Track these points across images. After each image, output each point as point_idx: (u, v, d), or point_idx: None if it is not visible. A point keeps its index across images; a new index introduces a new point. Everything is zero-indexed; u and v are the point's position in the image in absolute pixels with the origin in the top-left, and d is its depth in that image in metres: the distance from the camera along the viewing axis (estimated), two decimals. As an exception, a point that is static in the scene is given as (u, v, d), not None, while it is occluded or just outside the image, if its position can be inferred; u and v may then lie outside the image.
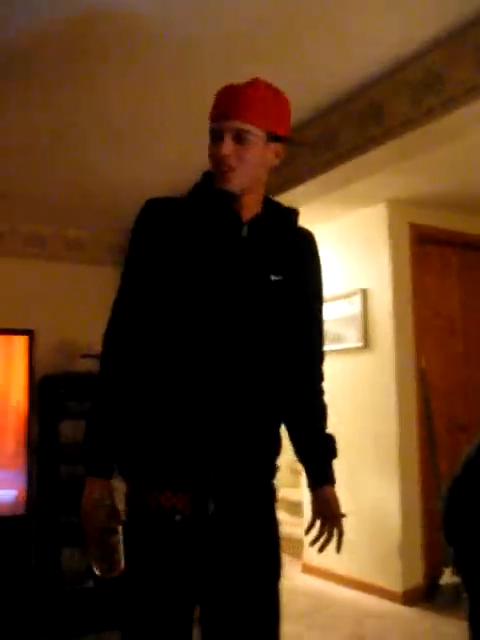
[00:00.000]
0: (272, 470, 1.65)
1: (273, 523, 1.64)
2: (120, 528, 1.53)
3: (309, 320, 1.71)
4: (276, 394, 1.63)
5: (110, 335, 1.59)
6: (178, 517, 1.49)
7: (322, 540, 1.72)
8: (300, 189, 3.66)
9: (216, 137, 1.53)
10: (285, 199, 3.87)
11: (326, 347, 4.86)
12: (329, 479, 1.74)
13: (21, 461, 3.90)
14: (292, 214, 1.70)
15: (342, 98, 3.24)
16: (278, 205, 1.68)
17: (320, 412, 1.77)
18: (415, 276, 4.42)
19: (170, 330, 1.55)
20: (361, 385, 4.48)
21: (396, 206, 4.35)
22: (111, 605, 2.40)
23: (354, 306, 4.54)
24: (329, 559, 4.57)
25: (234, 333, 1.54)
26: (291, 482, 5.81)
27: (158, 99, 3.16)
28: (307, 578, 4.76)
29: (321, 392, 1.78)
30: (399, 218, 4.39)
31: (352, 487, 4.46)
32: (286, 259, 1.63)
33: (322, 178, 3.47)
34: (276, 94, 1.57)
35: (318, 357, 1.78)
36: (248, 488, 1.58)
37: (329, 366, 5.05)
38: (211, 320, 1.53)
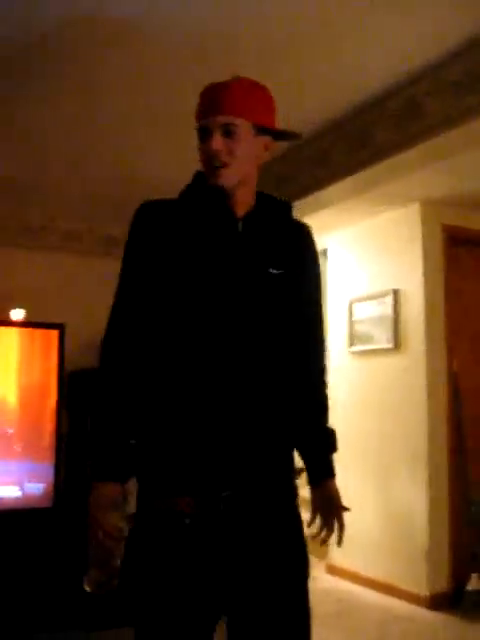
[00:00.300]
0: (288, 465, 1.62)
1: (295, 521, 1.60)
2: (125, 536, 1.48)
3: (310, 313, 1.70)
4: (282, 388, 1.61)
5: (111, 340, 1.55)
6: (187, 520, 1.46)
7: (323, 534, 1.72)
8: (333, 188, 3.64)
9: (205, 134, 1.53)
10: (318, 198, 3.92)
11: (356, 348, 4.86)
12: (330, 473, 1.74)
13: (50, 454, 3.94)
14: (286, 207, 1.69)
15: (378, 96, 3.22)
16: (271, 198, 1.67)
17: (321, 406, 1.75)
18: (448, 277, 4.37)
19: (172, 331, 1.53)
20: (391, 387, 4.44)
21: (429, 206, 4.30)
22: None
23: (385, 307, 4.50)
24: (354, 561, 4.55)
25: (237, 329, 1.53)
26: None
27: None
28: (332, 579, 4.73)
29: (322, 385, 1.76)
30: (432, 219, 4.34)
31: (380, 489, 4.43)
32: (284, 252, 1.61)
33: (356, 177, 3.45)
34: (259, 87, 1.58)
35: (319, 350, 1.76)
36: (263, 486, 1.54)
37: (358, 367, 5.06)
38: (213, 318, 1.52)
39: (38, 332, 4.11)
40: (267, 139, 1.59)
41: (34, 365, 4.03)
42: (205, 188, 1.58)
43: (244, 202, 1.59)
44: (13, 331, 4.13)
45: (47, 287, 4.75)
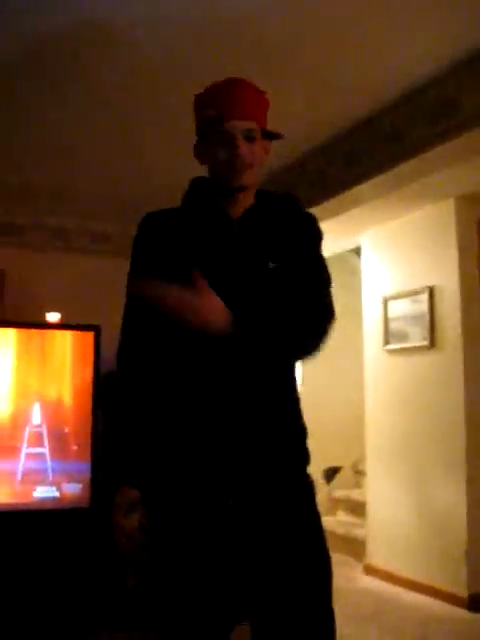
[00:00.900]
0: (298, 465, 1.60)
1: (312, 521, 1.58)
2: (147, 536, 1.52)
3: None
4: (283, 385, 1.63)
5: (123, 353, 1.61)
6: (197, 524, 1.50)
7: None
8: (366, 186, 3.61)
9: (226, 139, 1.56)
10: (352, 195, 3.90)
11: (391, 346, 4.80)
12: None
13: (87, 454, 3.97)
14: (287, 200, 1.70)
15: (411, 92, 3.19)
16: (271, 194, 1.69)
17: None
18: (484, 274, 4.31)
19: (175, 340, 1.56)
20: (426, 385, 4.39)
21: (464, 202, 4.24)
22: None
23: (420, 304, 4.45)
24: (393, 561, 4.51)
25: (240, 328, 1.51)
26: (353, 482, 5.77)
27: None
28: (370, 580, 4.70)
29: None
30: (467, 214, 4.28)
31: (418, 488, 4.39)
32: (283, 245, 1.62)
33: (389, 174, 3.42)
34: (261, 91, 1.62)
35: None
36: (270, 489, 1.54)
37: (394, 365, 5.01)
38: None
39: (74, 334, 4.15)
40: (267, 143, 1.64)
41: (70, 366, 4.07)
42: (204, 196, 1.64)
43: (244, 204, 1.63)
44: (49, 333, 4.18)
45: (81, 289, 4.80)
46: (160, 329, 1.56)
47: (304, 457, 1.62)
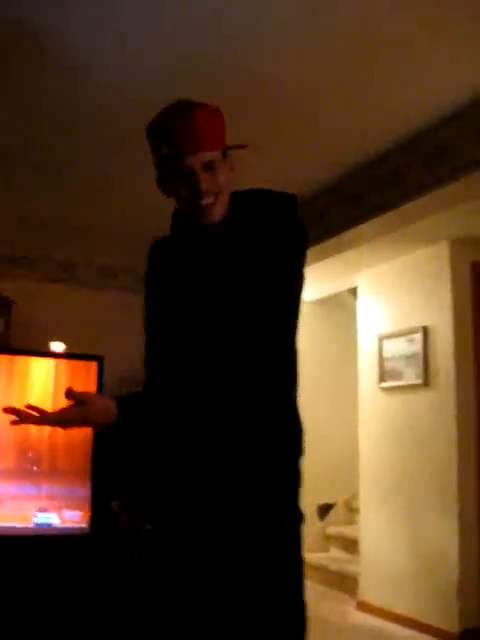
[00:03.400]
0: (269, 505, 1.47)
1: (285, 561, 1.45)
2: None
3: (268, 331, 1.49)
4: (246, 422, 1.48)
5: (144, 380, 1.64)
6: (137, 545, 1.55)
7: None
8: (365, 226, 3.75)
9: (186, 174, 1.47)
10: (349, 236, 4.04)
11: (386, 383, 4.86)
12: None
13: (87, 481, 4.03)
14: (273, 202, 1.58)
15: (409, 139, 3.35)
16: (248, 199, 1.59)
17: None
18: (476, 314, 4.43)
19: (162, 364, 1.59)
20: (420, 422, 4.48)
21: (458, 245, 4.38)
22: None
23: (415, 343, 4.57)
24: (384, 596, 4.54)
25: (195, 360, 1.50)
26: (346, 519, 5.81)
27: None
28: (362, 616, 4.72)
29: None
30: (461, 257, 4.41)
31: (410, 524, 4.44)
32: (249, 264, 1.50)
33: (388, 216, 3.56)
34: (215, 111, 1.51)
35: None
36: (239, 517, 1.44)
37: (388, 403, 5.08)
38: (178, 345, 1.55)
39: (78, 363, 4.26)
40: (231, 160, 1.54)
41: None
42: (185, 228, 1.60)
43: (218, 215, 1.54)
44: (54, 362, 4.28)
45: (86, 321, 4.92)
46: (160, 351, 1.60)
47: (287, 484, 1.51)
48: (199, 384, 1.45)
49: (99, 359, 4.22)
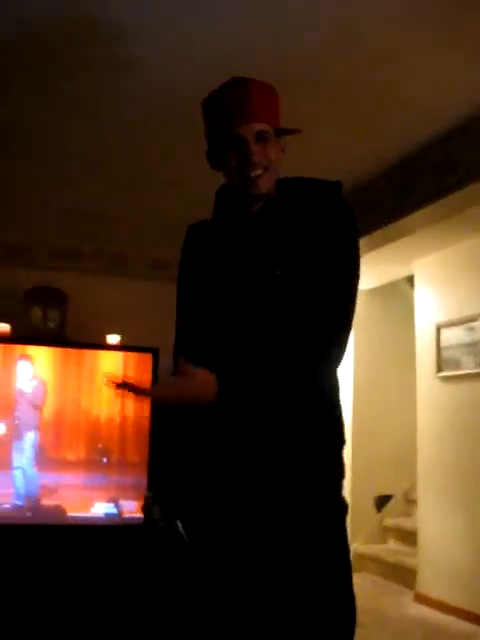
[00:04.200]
0: (321, 477, 1.46)
1: (329, 548, 1.43)
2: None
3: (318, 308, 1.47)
4: (290, 402, 1.46)
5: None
6: (185, 541, 1.49)
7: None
8: (418, 214, 3.68)
9: (238, 143, 1.48)
10: (403, 225, 3.96)
11: (444, 373, 4.75)
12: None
13: (144, 471, 4.09)
14: (320, 188, 1.57)
15: (462, 122, 3.27)
16: (294, 185, 1.58)
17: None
18: None
19: (201, 344, 1.54)
20: (479, 412, 4.38)
21: (516, 229, 4.26)
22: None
23: (473, 331, 4.47)
24: (443, 589, 4.48)
25: (240, 340, 1.48)
26: (404, 510, 5.74)
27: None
28: (420, 608, 4.66)
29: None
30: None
31: (471, 517, 4.36)
32: (299, 245, 1.49)
33: (440, 203, 3.49)
34: (272, 89, 1.54)
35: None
36: (284, 503, 1.42)
37: (447, 392, 4.97)
38: (220, 329, 1.52)
39: (134, 355, 4.31)
40: (282, 141, 1.55)
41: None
42: (231, 204, 1.59)
43: (264, 199, 1.55)
44: (111, 354, 4.35)
45: (139, 313, 4.96)
46: (194, 333, 1.58)
47: (331, 474, 1.48)
48: (255, 365, 1.42)
49: (154, 351, 4.26)
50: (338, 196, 1.57)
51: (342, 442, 1.52)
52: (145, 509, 1.60)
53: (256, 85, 1.50)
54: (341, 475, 1.50)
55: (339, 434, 1.51)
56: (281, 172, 1.56)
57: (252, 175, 1.49)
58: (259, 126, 1.48)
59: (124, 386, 1.34)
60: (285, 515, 1.42)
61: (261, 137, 1.48)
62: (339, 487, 1.49)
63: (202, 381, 1.36)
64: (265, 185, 1.51)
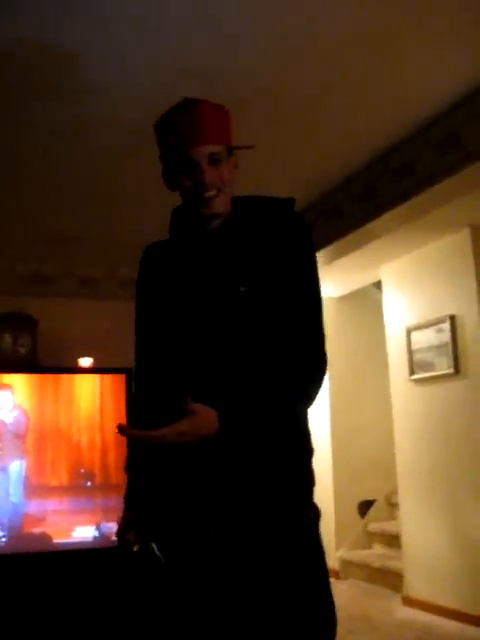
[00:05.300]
0: (292, 487, 1.46)
1: (306, 556, 1.43)
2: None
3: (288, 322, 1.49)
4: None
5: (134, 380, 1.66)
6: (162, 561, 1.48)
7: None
8: (383, 218, 3.71)
9: (189, 166, 1.49)
10: (368, 230, 4.01)
11: (417, 376, 4.78)
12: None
13: (121, 493, 4.04)
14: (273, 205, 1.59)
15: (419, 127, 3.33)
16: (248, 203, 1.60)
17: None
18: (504, 299, 4.36)
19: (163, 365, 1.55)
20: (454, 411, 4.42)
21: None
22: None
23: (443, 333, 4.52)
24: (431, 591, 4.49)
25: (208, 358, 1.48)
26: (387, 514, 5.76)
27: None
28: (409, 611, 4.67)
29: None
30: (484, 242, 4.35)
31: (451, 517, 4.39)
32: (260, 261, 1.51)
33: (403, 207, 3.53)
34: (221, 107, 1.54)
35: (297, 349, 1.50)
36: (258, 515, 1.42)
37: (421, 394, 5.01)
38: (185, 348, 1.51)
39: (106, 377, 4.28)
40: (235, 158, 1.56)
41: (104, 408, 4.19)
42: (188, 223, 1.59)
43: (220, 219, 1.56)
44: (86, 377, 4.32)
45: (111, 334, 4.94)
46: (154, 354, 1.58)
47: (301, 483, 1.49)
48: (255, 401, 1.41)
49: (127, 371, 4.23)
50: (292, 212, 1.58)
51: (310, 452, 1.52)
52: (119, 535, 1.58)
53: (206, 106, 1.50)
54: (311, 483, 1.50)
55: (307, 443, 1.52)
56: (240, 185, 1.58)
57: (206, 196, 1.50)
58: (211, 148, 1.48)
59: (137, 434, 1.35)
60: (259, 525, 1.42)
61: (213, 159, 1.49)
62: (310, 494, 1.50)
63: (205, 419, 1.35)
64: (220, 205, 1.52)
